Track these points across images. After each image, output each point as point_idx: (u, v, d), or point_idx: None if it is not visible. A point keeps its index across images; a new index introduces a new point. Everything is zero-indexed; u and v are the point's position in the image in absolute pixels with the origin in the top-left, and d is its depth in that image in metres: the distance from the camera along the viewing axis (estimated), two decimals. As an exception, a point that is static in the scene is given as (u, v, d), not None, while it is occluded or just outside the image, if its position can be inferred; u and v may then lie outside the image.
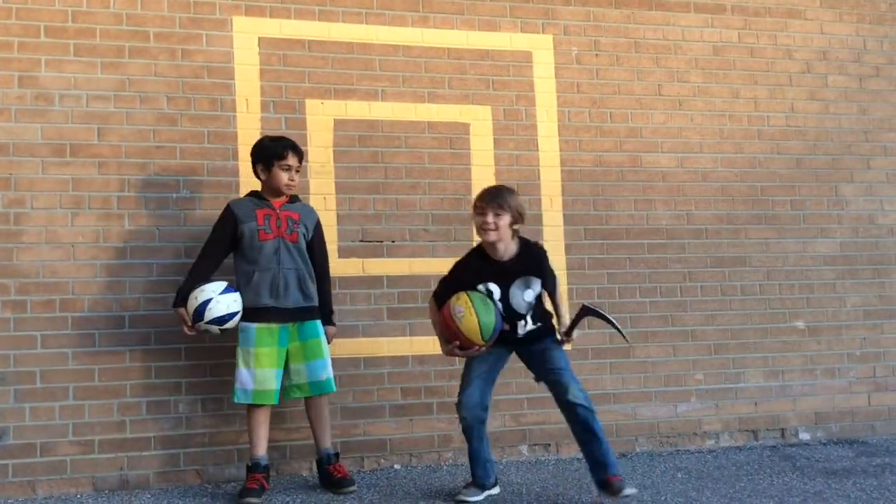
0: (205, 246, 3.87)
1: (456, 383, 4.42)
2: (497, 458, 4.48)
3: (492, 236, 3.53)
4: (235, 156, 4.30)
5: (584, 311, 3.61)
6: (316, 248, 3.97)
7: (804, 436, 4.96)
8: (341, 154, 4.47)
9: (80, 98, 4.14)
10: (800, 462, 4.44)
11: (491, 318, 3.49)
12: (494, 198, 3.53)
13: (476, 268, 3.62)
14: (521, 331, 3.62)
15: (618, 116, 4.89)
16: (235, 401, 3.79)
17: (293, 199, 3.97)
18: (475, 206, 3.60)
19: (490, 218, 3.50)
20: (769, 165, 5.10)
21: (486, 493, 3.76)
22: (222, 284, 3.74)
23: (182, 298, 3.76)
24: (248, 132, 4.30)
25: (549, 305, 3.82)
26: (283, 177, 3.85)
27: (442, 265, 4.47)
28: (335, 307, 4.17)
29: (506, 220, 3.51)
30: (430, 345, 4.46)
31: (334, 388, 3.92)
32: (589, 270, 4.73)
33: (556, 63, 4.83)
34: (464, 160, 4.64)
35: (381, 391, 4.40)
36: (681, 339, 4.83)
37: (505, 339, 3.63)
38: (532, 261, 3.62)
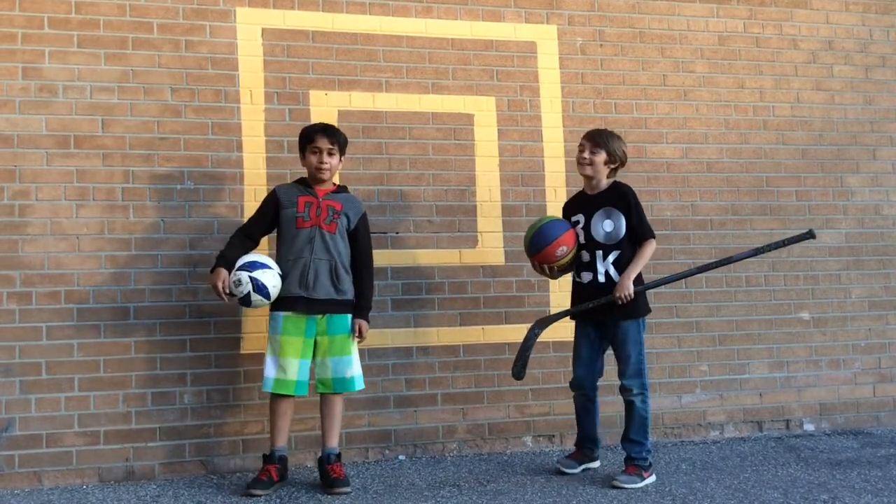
0: (246, 221, 3.95)
1: (460, 375, 4.50)
2: (501, 450, 4.50)
3: (587, 170, 3.93)
4: (240, 147, 4.30)
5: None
6: (359, 240, 3.90)
7: (809, 427, 4.96)
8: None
9: (84, 89, 4.14)
10: (804, 453, 4.44)
11: (530, 232, 3.94)
12: (594, 136, 3.94)
13: (574, 200, 4.08)
14: (600, 266, 3.85)
15: (622, 107, 4.88)
16: (263, 389, 3.80)
17: (340, 188, 3.95)
18: (579, 144, 3.98)
19: (587, 154, 3.90)
20: (774, 156, 5.09)
21: (584, 465, 4.05)
22: (279, 269, 3.75)
23: (225, 262, 3.72)
24: (252, 123, 4.30)
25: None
26: (312, 160, 3.82)
27: (446, 256, 4.50)
28: None
29: (601, 157, 3.89)
30: (433, 336, 4.47)
31: (358, 387, 3.85)
32: (593, 261, 4.73)
33: (561, 53, 4.81)
34: (468, 151, 4.63)
35: (385, 382, 4.40)
36: (685, 331, 4.83)
37: (592, 310, 3.87)
38: (615, 194, 3.92)
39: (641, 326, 3.91)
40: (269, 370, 3.76)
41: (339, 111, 4.46)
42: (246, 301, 3.71)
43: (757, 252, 4.01)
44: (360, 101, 4.50)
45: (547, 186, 4.69)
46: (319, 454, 3.89)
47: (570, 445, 4.58)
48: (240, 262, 3.70)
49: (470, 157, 4.63)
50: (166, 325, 4.12)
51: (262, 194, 4.10)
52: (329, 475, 3.76)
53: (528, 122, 4.73)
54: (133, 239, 4.13)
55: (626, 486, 3.73)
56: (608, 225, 3.87)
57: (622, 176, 4.79)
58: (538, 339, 4.00)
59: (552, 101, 4.77)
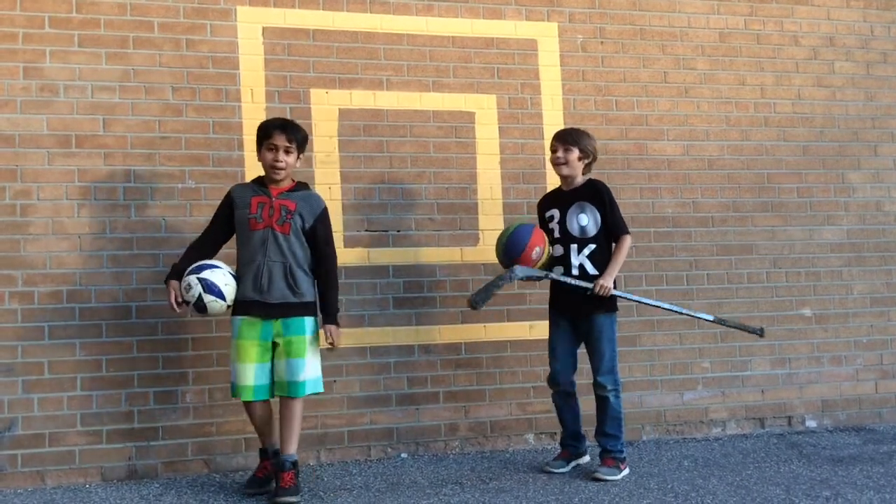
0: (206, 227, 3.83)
1: (462, 373, 4.50)
2: (503, 447, 4.50)
3: (563, 170, 4.01)
4: (241, 146, 4.30)
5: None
6: (317, 242, 3.71)
7: (811, 423, 4.96)
8: (346, 143, 4.46)
9: (85, 89, 4.14)
10: (806, 450, 4.44)
11: (500, 246, 3.98)
12: (564, 136, 4.03)
13: (549, 196, 4.16)
14: (574, 260, 3.90)
15: (623, 104, 4.88)
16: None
17: (299, 186, 3.78)
18: (550, 146, 4.06)
19: (560, 153, 3.97)
20: (775, 153, 5.08)
21: (574, 462, 4.05)
22: (232, 269, 3.66)
23: (175, 273, 3.63)
24: (253, 122, 4.27)
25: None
26: (268, 157, 3.66)
27: (447, 254, 4.50)
28: (341, 297, 4.17)
29: (574, 154, 3.97)
30: (435, 334, 4.48)
31: (310, 391, 3.63)
32: (595, 259, 4.73)
33: (562, 51, 4.81)
34: (469, 149, 4.63)
35: (387, 380, 4.41)
36: (687, 327, 4.83)
37: (566, 297, 3.93)
38: (591, 190, 3.99)
39: (614, 322, 3.96)
40: (231, 375, 3.67)
41: (339, 110, 4.46)
42: (200, 305, 3.53)
43: (715, 320, 4.09)
44: (361, 99, 4.50)
45: (548, 184, 4.68)
46: (274, 460, 3.70)
47: (572, 443, 4.59)
48: (189, 269, 3.60)
49: (471, 155, 4.63)
50: (168, 324, 4.12)
51: (264, 193, 4.10)
52: (277, 482, 3.57)
53: (529, 120, 4.72)
54: (134, 238, 4.14)
55: (608, 478, 3.80)
56: (583, 219, 3.93)
57: (622, 173, 4.82)
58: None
59: (553, 99, 4.77)
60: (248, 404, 3.66)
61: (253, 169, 4.22)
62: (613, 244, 3.96)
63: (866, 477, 3.82)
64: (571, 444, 4.06)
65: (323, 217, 3.75)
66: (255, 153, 4.01)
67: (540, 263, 3.92)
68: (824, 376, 5.00)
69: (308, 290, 3.69)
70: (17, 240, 4.00)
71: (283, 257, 3.63)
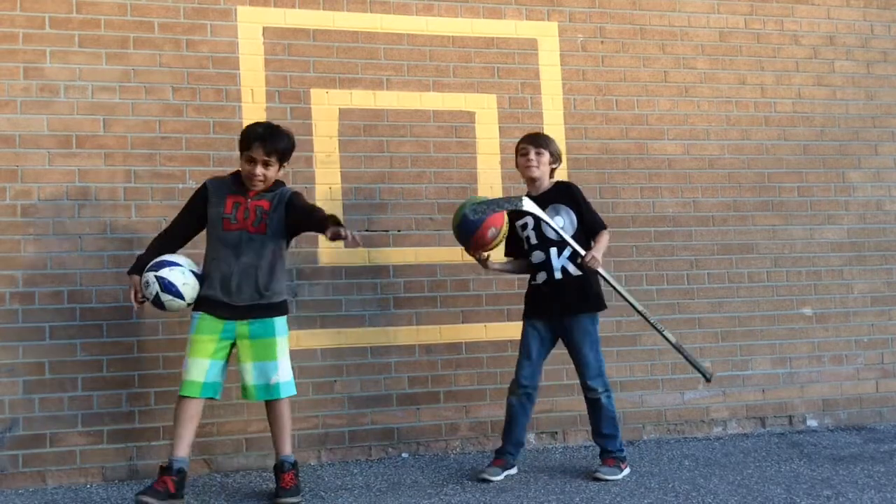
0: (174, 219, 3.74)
1: (462, 373, 4.50)
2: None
3: (535, 172, 3.97)
4: (241, 146, 4.30)
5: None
6: (298, 207, 3.58)
7: (812, 422, 4.96)
8: (347, 143, 4.46)
9: (85, 89, 4.14)
10: (807, 449, 4.44)
11: (455, 221, 3.86)
12: (535, 139, 4.02)
13: None
14: (555, 263, 3.87)
15: (624, 104, 4.88)
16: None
17: (276, 185, 3.65)
18: (518, 149, 4.04)
19: (532, 156, 3.96)
20: (776, 152, 5.08)
21: (506, 472, 3.91)
22: (195, 267, 3.57)
23: (137, 267, 3.56)
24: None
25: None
26: (246, 168, 3.54)
27: (448, 254, 4.50)
28: (342, 297, 4.26)
29: (545, 158, 3.98)
30: (436, 334, 4.48)
31: (284, 394, 3.58)
32: (595, 258, 4.72)
33: (562, 50, 4.81)
34: (469, 149, 4.63)
35: (387, 380, 4.41)
36: (688, 327, 4.82)
37: (547, 300, 3.89)
38: (562, 192, 4.00)
39: (596, 323, 3.93)
40: (183, 371, 3.54)
41: (340, 109, 4.46)
42: (158, 303, 3.48)
43: (675, 345, 3.98)
44: (361, 99, 4.50)
45: (548, 183, 4.69)
46: (274, 462, 3.67)
47: (572, 442, 4.59)
48: (149, 264, 3.51)
49: (471, 155, 4.63)
50: (168, 324, 4.12)
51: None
52: (278, 483, 3.56)
53: (530, 120, 4.72)
54: (135, 238, 4.13)
55: (609, 477, 3.79)
56: (559, 221, 3.89)
57: (623, 172, 4.82)
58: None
59: (553, 99, 4.77)
60: (185, 402, 3.48)
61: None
62: (593, 242, 3.93)
63: (867, 476, 3.82)
64: (511, 453, 3.94)
65: (294, 195, 3.65)
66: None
67: (494, 244, 3.84)
68: (825, 375, 5.00)
69: (278, 289, 3.62)
70: (17, 240, 4.00)
71: (256, 259, 3.54)
